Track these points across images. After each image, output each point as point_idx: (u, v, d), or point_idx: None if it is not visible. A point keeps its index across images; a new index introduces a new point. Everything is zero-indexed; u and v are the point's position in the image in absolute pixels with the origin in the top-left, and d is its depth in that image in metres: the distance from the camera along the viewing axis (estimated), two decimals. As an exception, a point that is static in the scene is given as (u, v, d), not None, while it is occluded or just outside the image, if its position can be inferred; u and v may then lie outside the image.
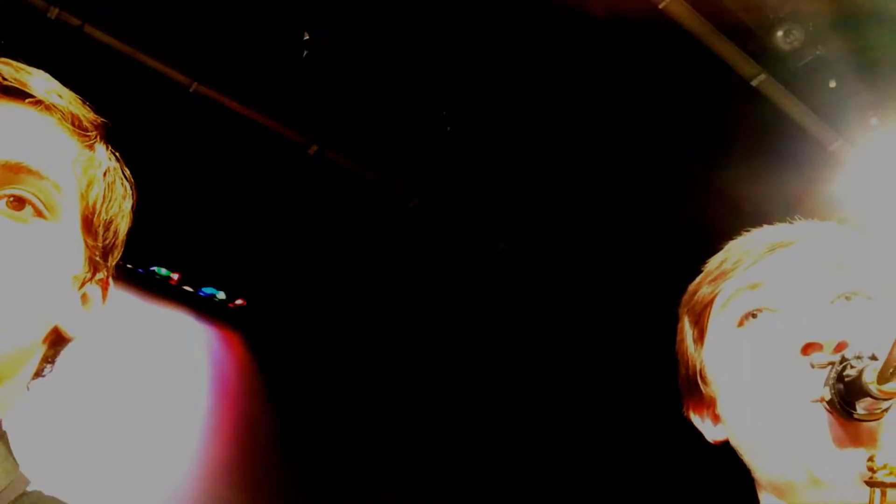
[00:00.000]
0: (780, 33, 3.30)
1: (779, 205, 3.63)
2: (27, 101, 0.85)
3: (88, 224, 0.88)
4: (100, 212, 0.89)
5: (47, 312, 0.84)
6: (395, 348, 4.81)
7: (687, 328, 1.00)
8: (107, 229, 0.91)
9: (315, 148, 3.99)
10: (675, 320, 1.04)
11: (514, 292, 4.74)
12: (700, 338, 0.98)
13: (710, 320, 0.96)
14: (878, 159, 3.58)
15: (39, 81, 0.87)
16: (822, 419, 0.78)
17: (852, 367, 0.74)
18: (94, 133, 0.91)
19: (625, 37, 3.30)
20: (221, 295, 4.88)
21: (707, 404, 0.98)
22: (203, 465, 4.36)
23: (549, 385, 5.01)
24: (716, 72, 3.41)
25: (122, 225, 0.93)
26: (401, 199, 4.31)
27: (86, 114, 0.90)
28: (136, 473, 4.01)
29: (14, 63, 0.87)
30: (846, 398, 0.74)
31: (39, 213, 0.82)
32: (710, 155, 3.78)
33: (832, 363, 0.77)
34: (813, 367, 0.78)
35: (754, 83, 3.48)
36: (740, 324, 0.91)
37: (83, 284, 0.89)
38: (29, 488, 0.83)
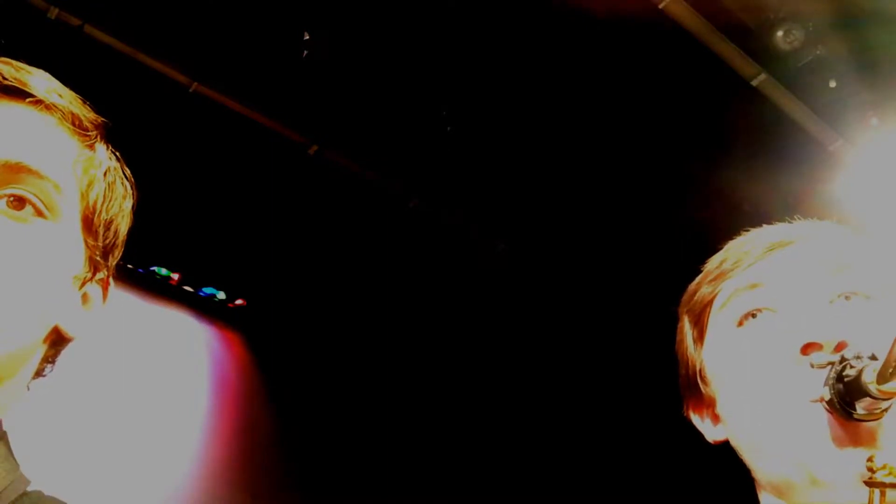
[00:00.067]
0: (780, 33, 3.30)
1: (779, 205, 3.64)
2: (27, 100, 0.85)
3: (89, 224, 0.88)
4: (100, 211, 0.89)
5: (48, 312, 0.84)
6: (395, 348, 4.82)
7: (687, 328, 1.00)
8: (107, 229, 0.91)
9: (315, 148, 3.99)
10: (674, 320, 1.04)
11: (514, 292, 4.74)
12: (700, 338, 0.98)
13: (709, 320, 0.96)
14: (878, 159, 3.58)
15: (40, 81, 0.87)
16: (822, 419, 0.78)
17: (852, 366, 0.74)
18: (95, 133, 0.91)
19: (625, 37, 3.30)
20: (221, 295, 4.89)
21: (707, 404, 0.98)
22: (203, 465, 4.36)
23: (549, 385, 5.01)
24: (716, 72, 3.41)
25: (123, 225, 0.93)
26: (401, 199, 4.31)
27: (86, 113, 0.90)
28: (136, 473, 4.01)
29: (14, 63, 0.87)
30: (846, 398, 0.74)
31: (40, 213, 0.82)
32: (710, 155, 3.79)
33: (832, 363, 0.77)
34: (812, 366, 0.78)
35: (754, 83, 3.48)
36: (740, 324, 0.91)
37: (83, 284, 0.89)
38: (29, 488, 0.83)
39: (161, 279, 4.68)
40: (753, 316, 0.90)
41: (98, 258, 0.90)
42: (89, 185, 0.88)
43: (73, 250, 0.87)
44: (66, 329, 0.87)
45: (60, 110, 0.87)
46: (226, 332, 4.88)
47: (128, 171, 0.96)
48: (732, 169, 3.79)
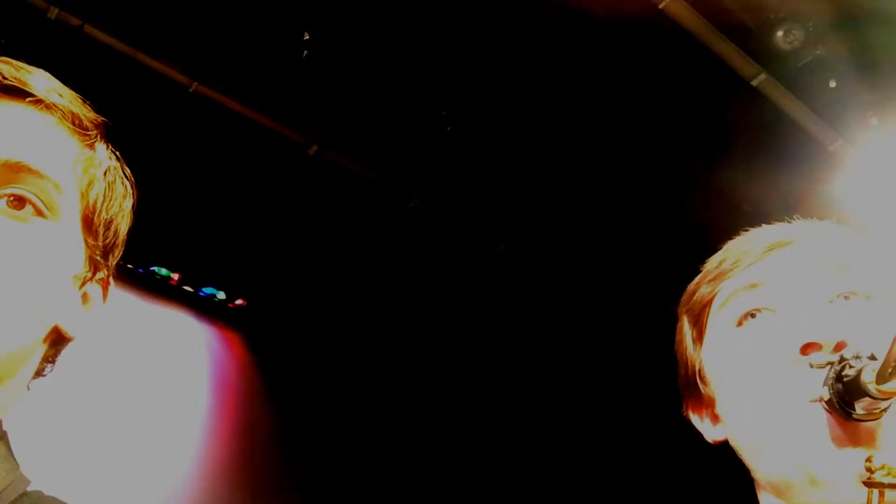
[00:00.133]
0: (780, 33, 3.30)
1: (779, 205, 3.64)
2: (27, 100, 0.85)
3: (89, 223, 0.88)
4: (100, 211, 0.89)
5: (48, 312, 0.84)
6: (395, 348, 4.82)
7: (686, 328, 1.00)
8: (107, 228, 0.90)
9: (315, 148, 3.99)
10: (674, 320, 1.04)
11: (514, 292, 4.74)
12: (699, 338, 0.98)
13: (708, 320, 0.96)
14: (878, 159, 3.58)
15: (40, 80, 0.87)
16: (821, 419, 0.78)
17: (851, 366, 0.74)
18: (95, 132, 0.91)
19: (625, 37, 3.30)
20: (221, 295, 4.89)
21: (706, 404, 0.98)
22: (203, 465, 4.36)
23: (549, 385, 5.01)
24: (716, 72, 3.41)
25: (123, 224, 0.93)
26: (401, 199, 4.31)
27: (86, 113, 0.90)
28: (136, 473, 4.01)
29: (14, 62, 0.87)
30: (845, 398, 0.74)
31: (40, 213, 0.82)
32: (710, 155, 3.79)
33: (831, 363, 0.77)
34: (812, 366, 0.78)
35: (754, 83, 3.48)
36: (739, 324, 0.91)
37: (84, 284, 0.89)
38: (29, 488, 0.83)
39: (161, 279, 4.68)
40: (753, 316, 0.90)
41: (98, 258, 0.90)
42: (89, 184, 0.88)
43: (74, 250, 0.87)
44: (66, 329, 0.87)
45: (60, 110, 0.87)
46: (226, 332, 4.88)
47: (128, 171, 0.96)
48: (732, 169, 3.79)
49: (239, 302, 4.93)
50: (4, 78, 0.84)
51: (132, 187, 0.96)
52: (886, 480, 0.70)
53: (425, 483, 4.61)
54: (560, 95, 3.66)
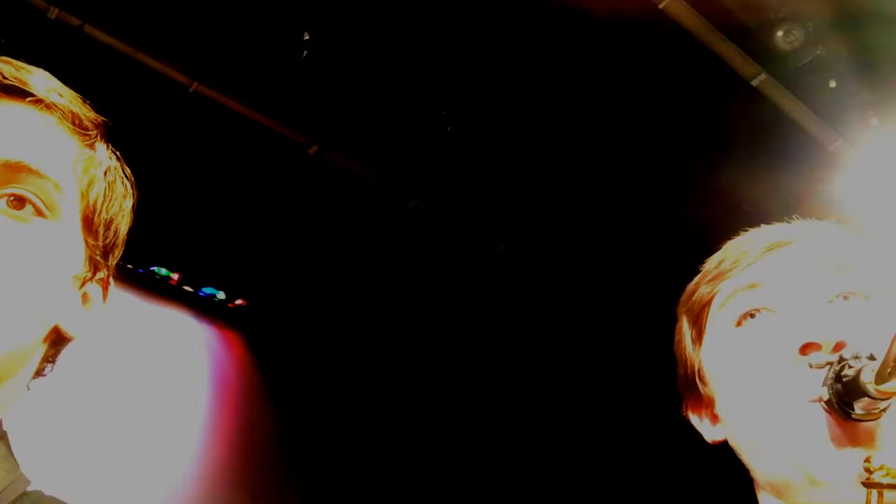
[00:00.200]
0: (780, 33, 3.30)
1: (779, 205, 3.64)
2: (28, 99, 0.85)
3: (89, 223, 0.88)
4: (100, 211, 0.89)
5: (48, 312, 0.84)
6: (395, 348, 4.82)
7: (685, 328, 1.00)
8: (107, 228, 0.90)
9: (315, 148, 4.00)
10: (674, 320, 1.04)
11: (514, 292, 4.74)
12: (698, 338, 0.98)
13: (708, 320, 0.96)
14: (878, 159, 3.58)
15: (40, 80, 0.87)
16: (821, 419, 0.78)
17: (850, 366, 0.74)
18: (95, 132, 0.91)
19: (625, 37, 3.30)
20: (221, 295, 4.89)
21: (705, 404, 0.98)
22: (203, 465, 4.36)
23: (549, 385, 5.01)
24: (716, 72, 3.41)
25: (123, 224, 0.93)
26: (401, 199, 4.31)
27: (86, 113, 0.90)
28: (136, 473, 4.01)
29: (14, 62, 0.87)
30: (844, 398, 0.74)
31: (40, 213, 0.82)
32: (710, 155, 3.79)
33: (830, 363, 0.77)
34: (811, 367, 0.78)
35: (754, 83, 3.48)
36: (738, 324, 0.91)
37: (84, 284, 0.89)
38: (29, 488, 0.84)
39: (161, 279, 4.68)
40: (752, 316, 0.90)
41: (98, 258, 0.90)
42: (89, 184, 0.88)
43: (74, 250, 0.87)
44: (67, 329, 0.87)
45: (60, 109, 0.87)
46: (226, 332, 4.88)
47: (128, 171, 0.96)
48: (732, 169, 3.79)
49: (239, 302, 4.93)
50: (4, 77, 0.84)
51: (132, 187, 0.96)
52: (885, 481, 0.70)
53: (425, 483, 4.61)
54: (560, 95, 3.66)
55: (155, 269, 4.66)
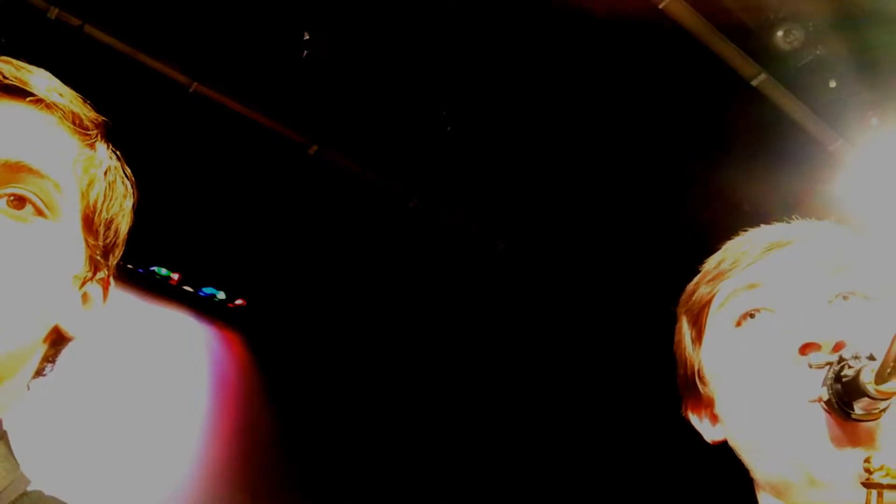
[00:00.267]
0: (780, 33, 3.30)
1: (779, 205, 3.64)
2: (28, 99, 0.85)
3: (89, 223, 0.88)
4: (100, 211, 0.89)
5: (48, 312, 0.84)
6: (395, 348, 4.82)
7: (685, 328, 1.00)
8: (107, 228, 0.90)
9: (315, 148, 4.00)
10: (673, 320, 1.04)
11: (514, 292, 4.74)
12: (698, 338, 0.98)
13: (707, 320, 0.96)
14: (878, 159, 3.58)
15: (40, 80, 0.87)
16: (820, 419, 0.78)
17: (850, 367, 0.74)
18: (95, 132, 0.91)
19: (625, 37, 3.30)
20: (221, 295, 4.89)
21: (705, 404, 0.98)
22: (203, 465, 4.36)
23: (548, 385, 5.01)
24: (716, 72, 3.41)
25: (123, 224, 0.93)
26: (401, 199, 4.31)
27: (87, 112, 0.90)
28: (136, 473, 4.01)
29: (15, 61, 0.87)
30: (844, 398, 0.74)
31: (40, 213, 0.82)
32: (710, 155, 3.79)
33: (830, 363, 0.77)
34: (811, 367, 0.78)
35: (754, 83, 3.48)
36: (738, 324, 0.91)
37: (84, 283, 0.89)
38: (29, 488, 0.84)
39: (161, 279, 4.68)
40: (752, 316, 0.90)
41: (98, 257, 0.90)
42: (90, 184, 0.88)
43: (74, 250, 0.87)
44: (67, 328, 0.87)
45: (61, 109, 0.87)
46: (226, 332, 4.88)
47: (128, 171, 0.96)
48: (732, 169, 3.79)
49: (239, 302, 4.93)
50: (5, 77, 0.84)
51: (132, 187, 0.96)
52: (885, 481, 0.70)
53: (425, 483, 4.61)
54: (560, 95, 3.66)
55: (155, 269, 4.66)
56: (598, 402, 4.91)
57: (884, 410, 0.75)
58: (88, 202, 0.88)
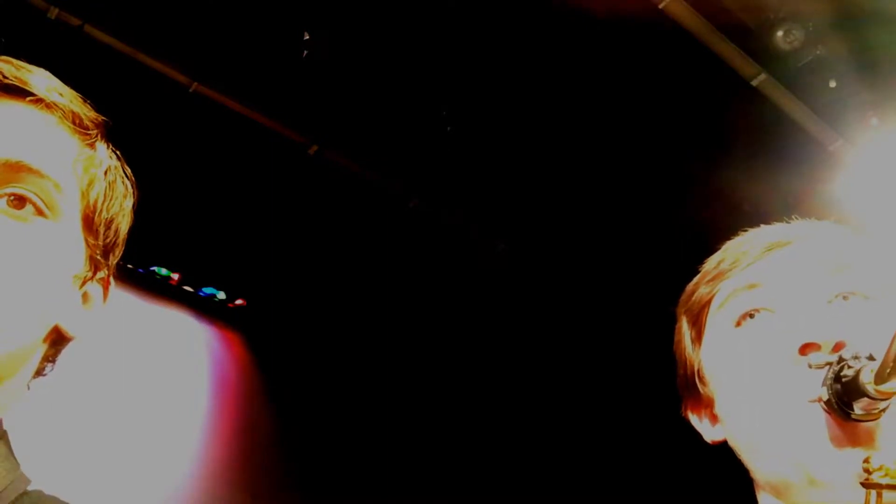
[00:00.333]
0: (780, 33, 3.31)
1: (779, 205, 3.64)
2: (28, 99, 0.85)
3: (89, 223, 0.88)
4: (101, 210, 0.89)
5: (48, 311, 0.84)
6: (395, 348, 4.82)
7: (685, 328, 1.00)
8: (108, 228, 0.91)
9: (315, 148, 4.00)
10: (673, 320, 1.04)
11: (514, 292, 4.74)
12: (698, 338, 0.98)
13: (707, 320, 0.96)
14: (878, 159, 3.58)
15: (40, 80, 0.87)
16: (820, 419, 0.78)
17: (850, 367, 0.74)
18: (95, 132, 0.91)
19: (625, 37, 3.30)
20: (221, 295, 4.89)
21: (705, 404, 0.98)
22: (203, 465, 4.36)
23: (548, 385, 5.01)
24: (716, 72, 3.41)
25: (123, 224, 0.93)
26: (401, 199, 4.31)
27: (87, 112, 0.90)
28: (136, 473, 4.01)
29: (14, 61, 0.87)
30: (844, 398, 0.74)
31: (40, 212, 0.82)
32: (710, 155, 3.79)
33: (830, 363, 0.77)
34: (810, 367, 0.78)
35: (754, 83, 3.48)
36: (738, 324, 0.91)
37: (84, 283, 0.89)
38: (29, 488, 0.84)
39: (161, 279, 4.68)
40: (751, 316, 0.90)
41: (98, 257, 0.90)
42: (90, 183, 0.88)
43: (74, 249, 0.87)
44: (67, 328, 0.87)
45: (61, 109, 0.87)
46: (226, 332, 4.88)
47: (128, 170, 0.96)
48: (732, 169, 3.79)
49: (239, 302, 4.93)
50: (5, 77, 0.84)
51: (132, 187, 0.96)
52: (884, 481, 0.70)
53: (425, 483, 4.61)
54: (560, 95, 3.66)
55: (155, 269, 4.66)
56: (598, 402, 4.91)
57: (883, 411, 0.75)
58: (88, 202, 0.88)
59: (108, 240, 0.91)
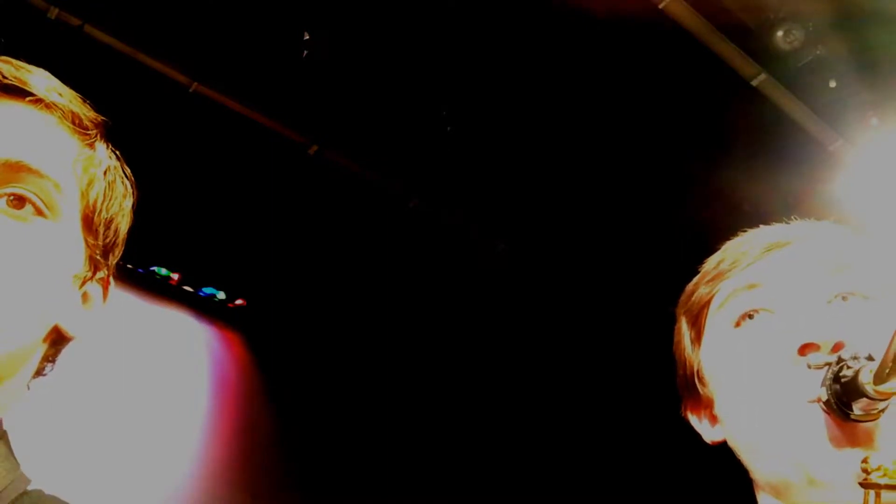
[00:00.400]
0: (780, 33, 3.31)
1: (779, 205, 3.64)
2: (27, 99, 0.85)
3: (89, 223, 0.88)
4: (100, 210, 0.89)
5: (48, 311, 0.84)
6: (395, 348, 4.82)
7: (684, 329, 1.00)
8: (107, 228, 0.91)
9: (315, 148, 4.00)
10: (673, 321, 1.04)
11: (514, 292, 4.75)
12: (697, 338, 0.98)
13: (707, 321, 0.96)
14: (878, 159, 3.58)
15: (40, 80, 0.87)
16: (819, 420, 0.78)
17: (849, 367, 0.74)
18: (95, 132, 0.91)
19: (625, 37, 3.30)
20: (221, 295, 4.89)
21: (704, 405, 0.98)
22: (203, 465, 4.36)
23: (548, 385, 5.01)
24: (716, 72, 3.41)
25: (123, 224, 0.93)
26: (401, 199, 4.31)
27: (86, 112, 0.90)
28: (136, 473, 4.01)
29: (14, 61, 0.87)
30: (843, 399, 0.74)
31: (40, 212, 0.82)
32: (710, 155, 3.79)
33: (829, 364, 0.76)
34: (810, 367, 0.78)
35: (754, 83, 3.48)
36: (737, 324, 0.91)
37: (84, 283, 0.89)
38: (29, 487, 0.84)
39: (161, 279, 4.68)
40: (751, 317, 0.90)
41: (98, 257, 0.90)
42: (89, 183, 0.88)
43: (74, 249, 0.87)
44: (67, 328, 0.87)
45: (60, 109, 0.87)
46: (226, 332, 4.88)
47: (128, 170, 0.96)
48: (732, 169, 3.79)
49: (239, 302, 4.93)
50: (4, 77, 0.85)
51: (132, 187, 0.96)
52: (882, 481, 0.70)
53: (425, 483, 4.61)
54: (560, 95, 3.66)
55: (155, 269, 4.66)
56: (597, 403, 4.91)
57: (882, 411, 0.75)
58: (88, 202, 0.88)
59: (107, 240, 0.91)
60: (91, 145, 0.89)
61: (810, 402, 0.78)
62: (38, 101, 0.85)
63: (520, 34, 3.39)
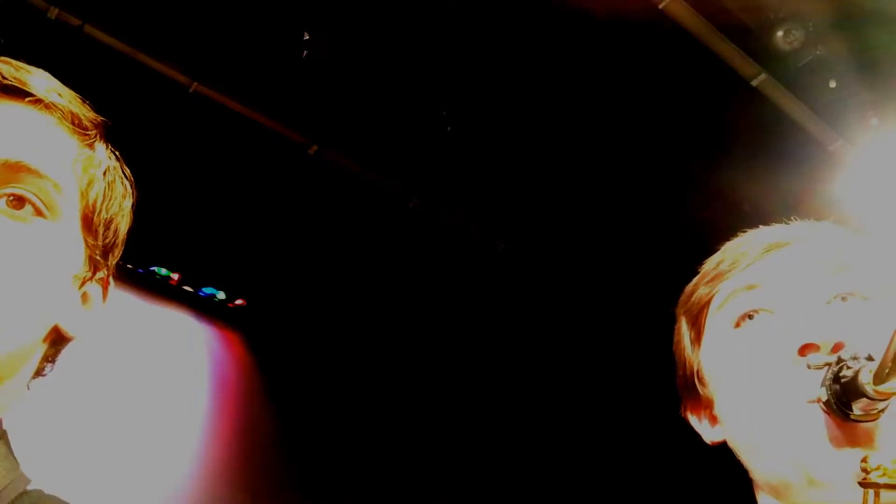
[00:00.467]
0: (780, 33, 3.31)
1: (779, 205, 3.64)
2: (27, 99, 0.85)
3: (89, 223, 0.88)
4: (100, 210, 0.89)
5: (47, 312, 0.84)
6: (395, 348, 4.82)
7: (684, 329, 1.00)
8: (107, 228, 0.91)
9: (315, 148, 4.00)
10: (673, 321, 1.04)
11: (514, 292, 4.75)
12: (697, 339, 0.98)
13: (706, 321, 0.96)
14: (878, 159, 3.58)
15: (39, 80, 0.87)
16: (819, 420, 0.78)
17: (849, 367, 0.74)
18: (94, 132, 0.91)
19: (625, 37, 3.30)
20: (221, 295, 4.89)
21: (704, 405, 0.98)
22: (203, 465, 4.36)
23: (548, 385, 5.01)
24: (716, 72, 3.41)
25: (123, 224, 0.94)
26: (401, 199, 4.31)
27: (86, 112, 0.90)
28: (136, 473, 4.01)
29: (14, 62, 0.87)
30: (843, 399, 0.74)
31: (39, 213, 0.82)
32: (710, 155, 3.79)
33: (829, 364, 0.77)
34: (809, 367, 0.78)
35: (754, 83, 3.48)
36: (737, 325, 0.91)
37: (83, 283, 0.89)
38: (29, 487, 0.84)
39: (161, 279, 4.68)
40: (751, 317, 0.90)
41: (98, 257, 0.90)
42: (89, 184, 0.88)
43: (73, 249, 0.87)
44: (66, 328, 0.87)
45: (60, 109, 0.87)
46: (226, 332, 4.88)
47: (127, 171, 0.96)
48: (732, 169, 3.79)
49: (239, 302, 4.93)
50: (4, 78, 0.85)
51: (132, 187, 0.96)
52: (882, 481, 0.70)
53: (425, 483, 4.61)
54: (560, 95, 3.66)
55: (155, 269, 4.66)
56: (597, 403, 4.91)
57: (882, 411, 0.75)
58: (88, 202, 0.88)
59: (107, 240, 0.91)
60: (91, 145, 0.90)
61: (810, 402, 0.78)
62: (37, 101, 0.85)
63: (520, 34, 3.39)
